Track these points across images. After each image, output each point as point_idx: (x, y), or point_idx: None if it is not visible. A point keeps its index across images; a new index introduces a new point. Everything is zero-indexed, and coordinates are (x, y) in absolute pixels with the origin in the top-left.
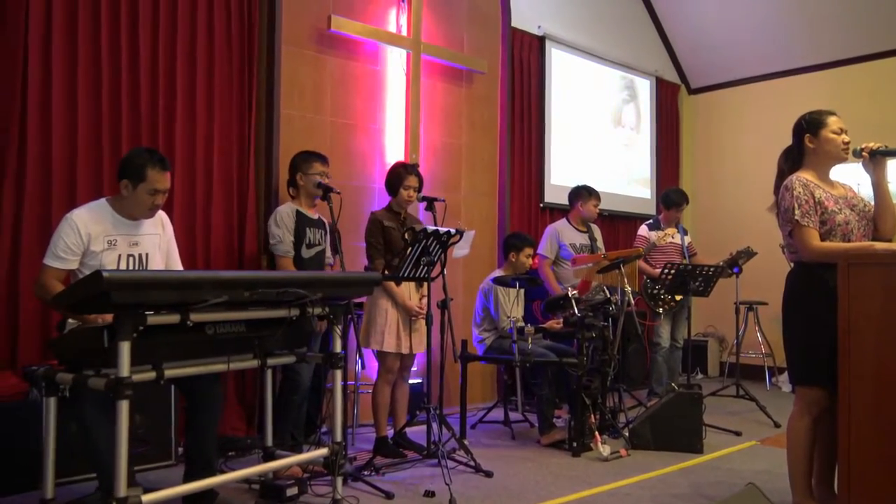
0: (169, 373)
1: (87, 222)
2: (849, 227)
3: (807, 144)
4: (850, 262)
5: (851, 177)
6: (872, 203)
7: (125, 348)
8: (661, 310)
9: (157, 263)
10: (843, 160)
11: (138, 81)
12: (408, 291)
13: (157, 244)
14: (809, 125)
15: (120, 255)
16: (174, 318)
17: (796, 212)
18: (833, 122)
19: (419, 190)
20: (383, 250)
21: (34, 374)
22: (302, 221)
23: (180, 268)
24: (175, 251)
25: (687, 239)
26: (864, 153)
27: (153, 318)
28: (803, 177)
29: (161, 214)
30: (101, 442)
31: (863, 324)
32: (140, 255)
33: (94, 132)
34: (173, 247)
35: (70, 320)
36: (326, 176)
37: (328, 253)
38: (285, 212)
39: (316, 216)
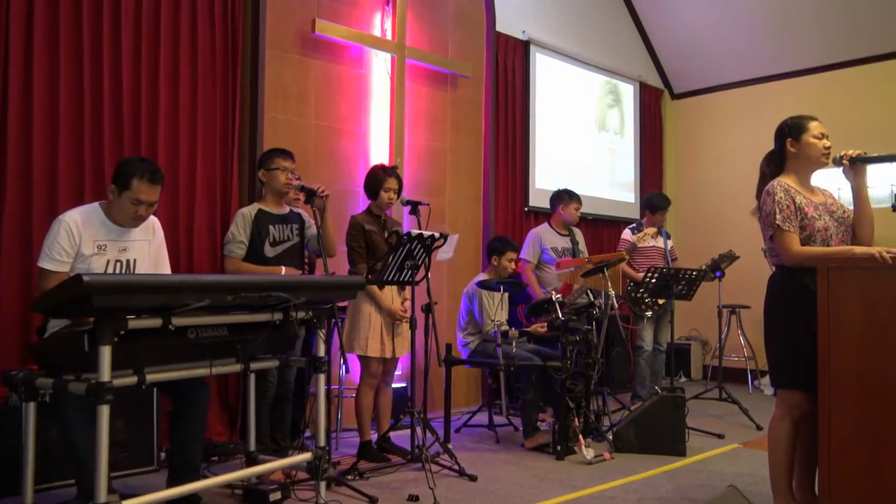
0: (150, 377)
1: (79, 224)
2: (828, 232)
3: (788, 149)
4: (831, 266)
5: (832, 182)
6: (851, 209)
7: (106, 353)
8: (649, 313)
9: (145, 269)
10: (823, 165)
11: (121, 85)
12: (391, 295)
13: (146, 250)
14: (791, 130)
15: (108, 261)
16: (156, 322)
17: (777, 216)
18: (814, 127)
19: (399, 192)
20: (365, 254)
21: (13, 379)
22: (264, 219)
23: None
24: (164, 257)
25: (669, 243)
26: (844, 160)
27: (134, 322)
28: (784, 182)
29: (153, 220)
30: (81, 447)
31: (843, 328)
32: (128, 261)
33: (75, 136)
34: (163, 253)
35: (51, 323)
36: (291, 171)
37: (309, 244)
38: (243, 211)
39: (285, 211)
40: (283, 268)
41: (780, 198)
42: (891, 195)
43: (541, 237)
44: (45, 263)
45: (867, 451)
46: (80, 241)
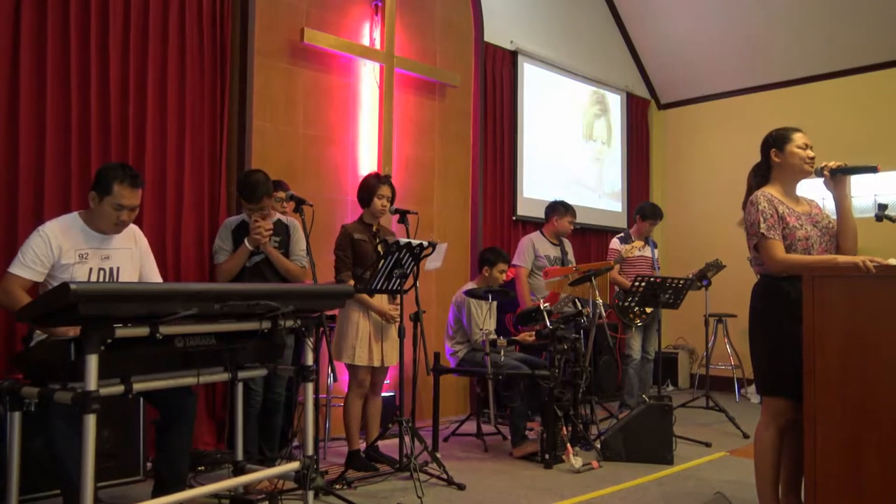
0: (137, 386)
1: (58, 235)
2: (809, 242)
3: (773, 159)
4: (815, 274)
5: (817, 193)
6: (836, 219)
7: (92, 361)
8: (638, 321)
9: (128, 277)
10: (807, 174)
11: (108, 94)
12: (380, 303)
13: (129, 258)
14: (776, 141)
15: (91, 269)
16: (143, 331)
17: (762, 225)
18: (798, 137)
19: (392, 201)
20: (351, 263)
21: None
22: (245, 232)
23: (159, 280)
24: (152, 264)
25: (656, 252)
26: (824, 172)
27: (121, 331)
28: (768, 192)
29: (133, 229)
30: (67, 457)
31: (827, 335)
32: (111, 269)
33: (62, 144)
34: (149, 260)
35: (37, 332)
36: (264, 209)
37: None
38: (227, 221)
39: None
40: (245, 239)
41: (764, 207)
42: (874, 205)
43: (534, 244)
44: (13, 268)
45: (852, 457)
46: (60, 251)
